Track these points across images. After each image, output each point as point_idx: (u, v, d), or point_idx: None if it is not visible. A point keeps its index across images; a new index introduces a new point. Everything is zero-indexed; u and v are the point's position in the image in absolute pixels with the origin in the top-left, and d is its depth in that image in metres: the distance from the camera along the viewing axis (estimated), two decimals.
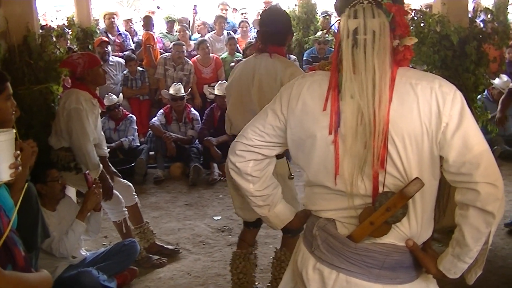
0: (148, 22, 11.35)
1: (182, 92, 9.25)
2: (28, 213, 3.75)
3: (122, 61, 10.47)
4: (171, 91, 9.15)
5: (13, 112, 3.37)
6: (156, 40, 11.10)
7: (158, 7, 13.59)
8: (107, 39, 10.29)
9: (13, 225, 2.42)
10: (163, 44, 11.53)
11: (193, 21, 12.17)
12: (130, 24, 12.16)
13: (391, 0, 2.17)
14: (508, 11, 11.55)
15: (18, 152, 2.72)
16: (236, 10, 14.61)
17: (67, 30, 9.16)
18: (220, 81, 9.61)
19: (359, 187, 2.18)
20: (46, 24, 8.88)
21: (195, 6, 12.24)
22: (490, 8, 7.14)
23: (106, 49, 9.90)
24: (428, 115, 2.10)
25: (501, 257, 5.55)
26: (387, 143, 2.11)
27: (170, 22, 12.45)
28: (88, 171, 5.07)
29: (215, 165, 8.69)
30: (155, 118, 9.26)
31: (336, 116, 2.18)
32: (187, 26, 11.79)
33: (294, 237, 4.35)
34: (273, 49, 4.38)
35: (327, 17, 11.53)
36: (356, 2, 2.16)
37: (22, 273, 2.26)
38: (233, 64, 10.41)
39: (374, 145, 2.10)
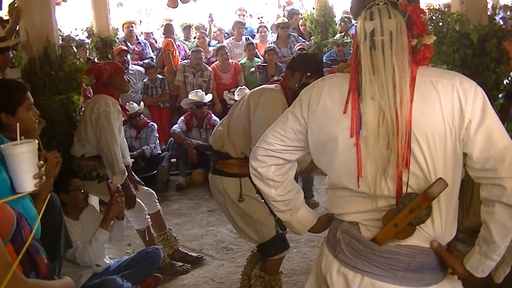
0: (168, 30, 11.42)
1: (206, 98, 9.26)
2: (51, 223, 3.77)
3: (142, 69, 10.51)
4: (194, 97, 9.13)
5: (36, 121, 3.40)
6: (175, 47, 11.13)
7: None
8: (126, 48, 10.33)
9: (36, 234, 2.43)
10: (185, 51, 11.55)
11: (210, 28, 12.20)
12: (151, 35, 12.23)
13: None
14: None
15: (42, 162, 2.74)
16: (252, 16, 14.62)
17: (87, 40, 9.24)
18: (240, 87, 9.62)
19: (382, 189, 2.17)
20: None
21: (210, 14, 12.26)
22: (509, 5, 7.09)
23: (125, 58, 9.93)
24: (451, 112, 2.09)
25: None
26: (410, 142, 2.10)
27: (187, 29, 12.49)
28: (110, 180, 5.09)
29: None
30: (176, 125, 9.27)
31: (357, 119, 2.18)
32: (205, 32, 11.81)
33: (275, 258, 4.41)
34: None
35: (346, 20, 11.52)
36: (372, 4, 2.16)
37: (45, 280, 2.27)
38: (253, 69, 10.42)
39: (397, 145, 2.09)
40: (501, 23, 6.07)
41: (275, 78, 4.55)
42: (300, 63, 4.31)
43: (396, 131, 2.09)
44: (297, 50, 10.58)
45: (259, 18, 13.52)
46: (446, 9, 6.82)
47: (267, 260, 4.45)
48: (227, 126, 4.42)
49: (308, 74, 4.14)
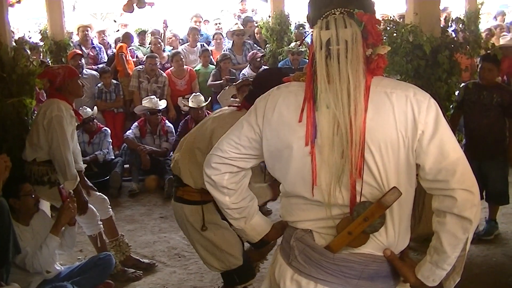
0: (127, 37, 11.39)
1: (160, 105, 9.24)
2: (0, 228, 3.71)
3: (96, 74, 10.41)
4: (148, 104, 9.10)
5: None
6: (128, 52, 11.05)
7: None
8: (80, 52, 10.23)
9: None
10: (136, 56, 11.48)
11: (164, 34, 12.15)
12: (103, 36, 12.08)
13: (363, 9, 2.17)
14: (479, 20, 11.68)
15: None
16: (208, 21, 14.61)
17: (40, 43, 9.12)
18: (194, 93, 9.58)
19: (336, 197, 2.18)
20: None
21: (165, 20, 12.22)
22: (462, 18, 7.21)
23: (79, 62, 9.81)
24: (404, 123, 2.11)
25: (476, 265, 5.60)
26: (364, 152, 2.11)
27: (141, 34, 12.42)
28: (62, 185, 5.03)
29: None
30: (130, 131, 9.23)
31: (312, 127, 2.18)
32: (160, 38, 11.77)
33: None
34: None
35: (301, 28, 11.60)
36: (328, 13, 2.17)
37: None
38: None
39: (351, 154, 2.10)
40: (453, 35, 6.16)
41: (235, 104, 4.33)
42: (268, 80, 3.88)
43: (350, 141, 2.09)
44: (258, 59, 10.58)
45: (216, 24, 13.51)
46: (401, 19, 6.91)
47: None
48: (187, 155, 4.19)
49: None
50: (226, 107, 4.33)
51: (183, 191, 4.21)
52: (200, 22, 13.15)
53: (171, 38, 12.39)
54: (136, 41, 12.27)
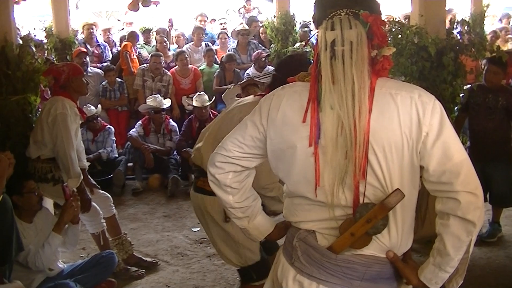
0: (133, 36, 11.36)
1: (164, 104, 9.25)
2: (3, 225, 3.72)
3: (101, 72, 10.43)
4: (153, 103, 9.11)
5: None
6: (133, 50, 11.06)
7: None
8: (85, 50, 10.24)
9: None
10: (141, 54, 11.48)
11: (169, 32, 12.14)
12: (109, 34, 12.08)
13: (368, 10, 2.17)
14: (484, 23, 11.65)
15: None
16: (215, 20, 14.60)
17: (45, 41, 9.13)
18: (198, 93, 9.59)
19: (340, 198, 2.18)
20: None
21: (170, 19, 12.22)
22: (467, 20, 7.20)
23: (84, 60, 9.83)
24: (409, 124, 2.11)
25: (479, 267, 5.59)
26: (368, 153, 2.11)
27: (146, 32, 12.38)
28: (66, 183, 5.03)
29: (193, 176, 8.65)
30: (133, 129, 9.23)
31: (316, 128, 2.18)
32: (165, 37, 11.77)
33: (256, 284, 4.13)
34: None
35: (306, 29, 11.59)
36: (333, 14, 2.17)
37: None
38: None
39: (355, 155, 2.09)
40: (459, 37, 6.15)
41: (259, 93, 4.23)
42: (291, 66, 3.78)
43: (354, 142, 2.09)
44: (262, 59, 10.60)
45: (221, 24, 13.51)
46: (406, 20, 6.90)
47: (247, 285, 4.32)
48: (211, 145, 3.98)
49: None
50: (250, 96, 4.30)
51: (203, 182, 3.98)
52: (205, 21, 13.12)
53: (178, 37, 12.38)
54: (141, 39, 12.27)
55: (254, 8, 14.71)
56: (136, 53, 11.25)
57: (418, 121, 2.11)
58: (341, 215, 2.20)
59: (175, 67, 10.73)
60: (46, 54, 9.17)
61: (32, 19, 13.35)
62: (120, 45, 11.58)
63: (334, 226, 2.22)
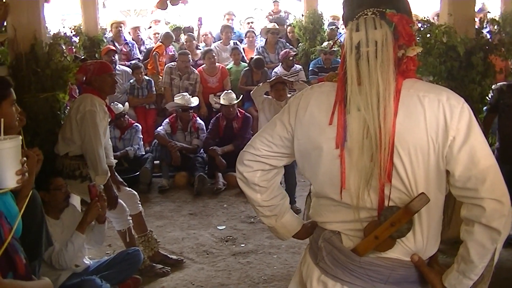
0: (167, 38, 11.36)
1: (192, 102, 9.27)
2: (33, 221, 3.74)
3: (129, 70, 10.48)
4: (181, 101, 9.14)
5: (17, 119, 3.37)
6: (165, 53, 11.11)
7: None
8: (114, 48, 10.30)
9: (17, 232, 2.41)
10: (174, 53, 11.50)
11: (198, 31, 12.17)
12: (138, 32, 12.13)
13: (396, 9, 2.15)
14: None
15: (25, 158, 2.72)
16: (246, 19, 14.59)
17: (74, 39, 9.20)
18: (226, 91, 9.61)
19: (365, 201, 2.16)
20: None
21: (200, 17, 12.24)
22: (497, 19, 7.13)
23: (113, 58, 9.89)
24: (435, 128, 2.08)
25: (506, 269, 5.52)
26: (393, 156, 2.09)
27: (176, 30, 12.43)
28: (92, 183, 5.05)
29: (220, 174, 8.69)
30: (161, 127, 9.28)
31: (342, 130, 2.17)
32: (194, 35, 11.80)
33: None
34: None
35: (333, 27, 11.56)
36: (360, 15, 2.15)
37: (22, 281, 2.25)
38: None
39: (380, 158, 2.08)
40: (488, 36, 6.09)
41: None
42: None
43: (379, 144, 2.07)
44: (290, 58, 10.60)
45: (249, 23, 13.52)
46: (437, 17, 6.84)
47: None
48: None
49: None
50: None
51: None
52: (232, 19, 13.12)
53: (207, 35, 12.39)
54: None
55: (281, 11, 14.67)
56: (169, 53, 11.27)
57: (445, 125, 2.07)
58: (366, 217, 2.20)
59: (203, 66, 10.75)
60: (74, 51, 9.23)
61: (55, 17, 13.45)
62: (154, 42, 11.68)
63: (359, 228, 2.21)
